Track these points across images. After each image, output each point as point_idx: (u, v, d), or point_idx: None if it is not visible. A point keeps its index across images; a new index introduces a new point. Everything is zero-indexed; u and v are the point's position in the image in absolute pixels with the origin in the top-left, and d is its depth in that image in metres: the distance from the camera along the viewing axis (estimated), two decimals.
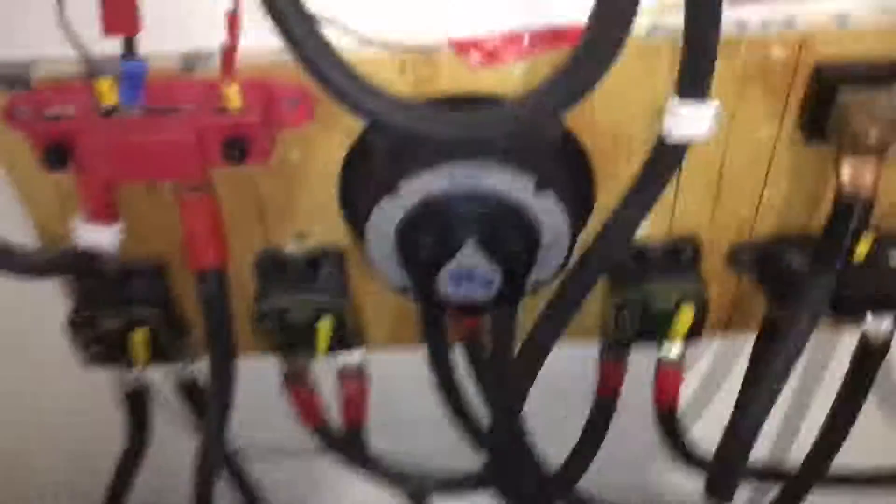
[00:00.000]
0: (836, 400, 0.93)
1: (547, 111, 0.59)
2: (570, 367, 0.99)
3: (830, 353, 1.03)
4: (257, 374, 0.90)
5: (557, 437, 1.04)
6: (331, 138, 0.73)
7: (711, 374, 1.06)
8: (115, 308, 0.81)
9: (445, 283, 0.71)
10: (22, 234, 0.79)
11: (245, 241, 0.81)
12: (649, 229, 0.81)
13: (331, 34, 0.64)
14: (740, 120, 0.72)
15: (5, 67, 0.69)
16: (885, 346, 0.86)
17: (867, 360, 0.88)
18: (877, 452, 1.05)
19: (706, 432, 1.08)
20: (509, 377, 0.85)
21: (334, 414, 0.96)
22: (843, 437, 0.95)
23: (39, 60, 0.69)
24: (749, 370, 0.91)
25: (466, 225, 0.68)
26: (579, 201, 0.75)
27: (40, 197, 0.77)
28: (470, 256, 0.69)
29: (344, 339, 0.83)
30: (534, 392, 0.86)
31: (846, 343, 0.96)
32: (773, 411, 0.78)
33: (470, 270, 0.70)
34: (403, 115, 0.59)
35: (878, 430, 1.09)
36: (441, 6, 0.67)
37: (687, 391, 1.07)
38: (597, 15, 0.55)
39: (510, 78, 0.69)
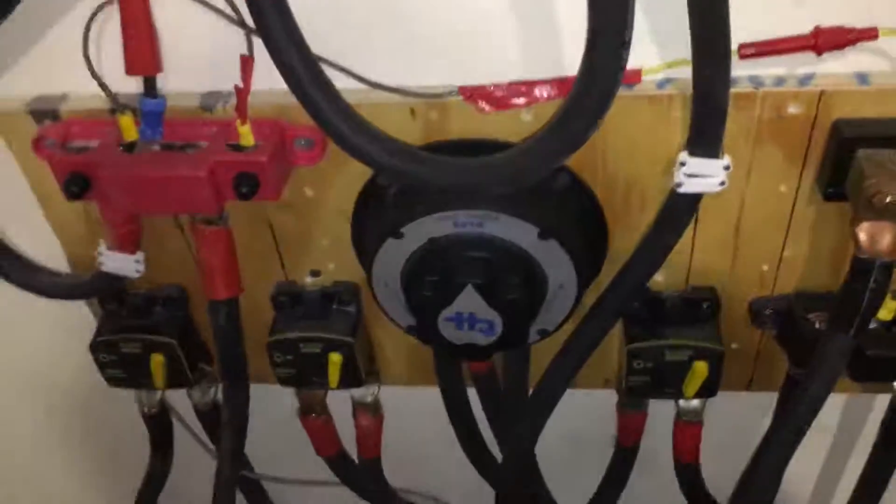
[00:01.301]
0: (867, 465, 0.89)
1: (539, 162, 0.59)
2: (589, 413, 0.98)
3: (866, 415, 0.99)
4: (279, 401, 0.92)
5: (576, 484, 1.03)
6: (345, 177, 0.74)
7: (738, 426, 1.03)
8: (136, 333, 0.83)
9: (447, 327, 0.72)
10: (54, 259, 0.83)
11: (264, 273, 0.83)
12: (667, 279, 0.80)
13: (341, 79, 0.66)
14: (757, 175, 0.71)
15: (39, 101, 0.73)
16: None
17: None
18: None
19: (730, 483, 1.06)
20: (521, 418, 0.84)
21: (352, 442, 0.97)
22: (876, 501, 0.92)
23: (69, 95, 0.72)
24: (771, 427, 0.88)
25: (467, 269, 0.69)
26: (588, 250, 0.74)
27: (69, 224, 0.81)
28: (469, 301, 0.69)
29: (355, 374, 0.83)
30: (552, 437, 0.86)
31: (880, 405, 0.93)
32: (806, 473, 0.75)
33: (470, 315, 0.71)
34: (397, 160, 0.60)
35: None
36: (451, 54, 0.67)
37: (711, 443, 1.04)
38: (586, 65, 0.55)
39: (519, 124, 0.69)
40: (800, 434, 0.73)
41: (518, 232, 0.68)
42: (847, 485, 0.99)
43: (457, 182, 0.60)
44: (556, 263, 0.69)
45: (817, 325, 0.77)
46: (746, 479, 0.79)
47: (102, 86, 0.68)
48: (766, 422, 0.99)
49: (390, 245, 0.70)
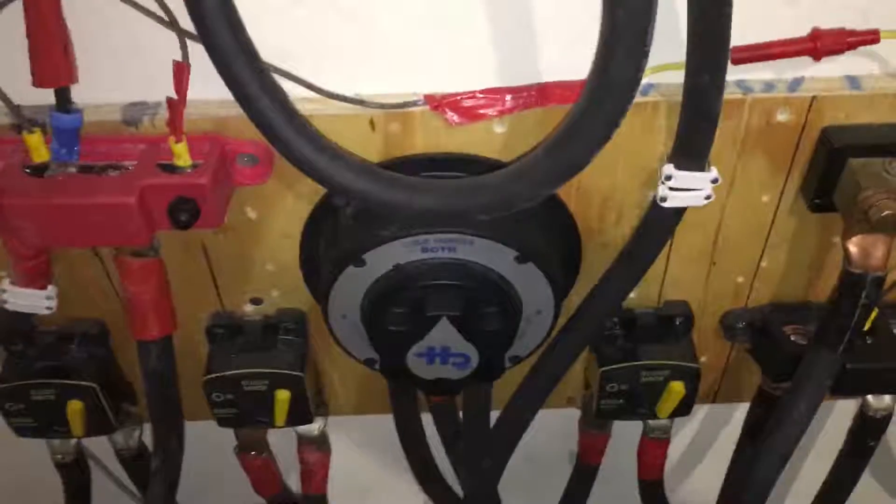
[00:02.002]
0: (832, 472, 0.88)
1: (534, 188, 0.52)
2: (547, 430, 0.93)
3: (825, 415, 0.97)
4: (210, 437, 0.82)
5: (535, 498, 0.98)
6: (292, 197, 0.66)
7: (698, 437, 1.00)
8: (47, 378, 0.73)
9: (416, 362, 0.65)
10: None
11: (196, 304, 0.74)
12: (639, 295, 0.75)
13: (291, 88, 0.58)
14: (740, 185, 0.67)
15: None
16: (886, 420, 0.81)
17: (867, 431, 0.82)
18: None
19: (690, 497, 1.03)
20: (484, 453, 0.78)
21: (294, 480, 0.89)
22: None
23: None
24: (741, 441, 0.85)
25: (441, 300, 0.62)
26: (564, 270, 0.68)
27: None
28: (443, 334, 0.63)
29: (304, 410, 0.75)
30: None
31: (842, 405, 0.91)
32: None
33: (443, 348, 0.64)
34: (371, 183, 0.53)
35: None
36: (415, 60, 0.60)
37: (672, 453, 1.02)
38: (596, 81, 0.48)
39: (490, 137, 0.62)
40: (788, 453, 0.70)
41: (494, 256, 0.61)
42: (804, 485, 0.98)
43: (441, 208, 0.53)
44: (533, 288, 0.63)
45: (793, 338, 0.74)
46: (733, 499, 0.75)
47: (4, 98, 0.57)
48: (726, 431, 0.97)
49: (350, 273, 0.62)
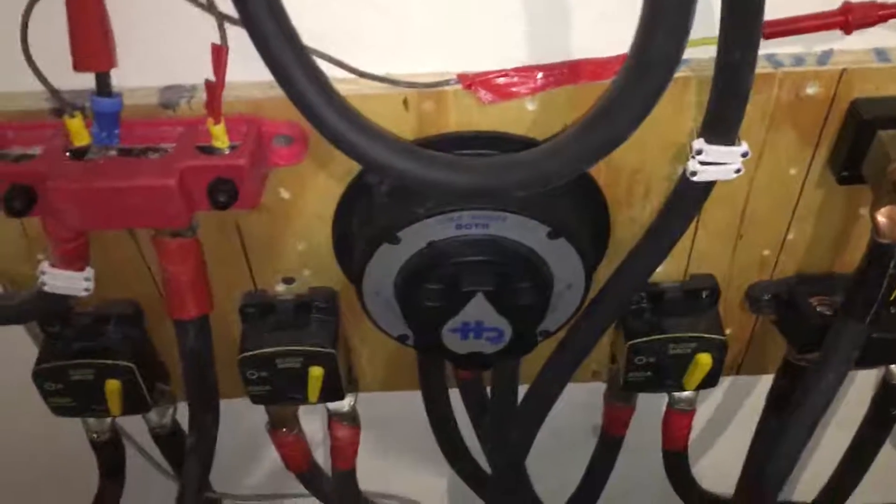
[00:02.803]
0: (854, 441, 0.89)
1: (570, 164, 0.53)
2: (571, 403, 0.94)
3: (848, 385, 0.98)
4: (242, 414, 0.84)
5: (556, 473, 0.99)
6: (325, 177, 0.67)
7: (721, 408, 1.01)
8: (86, 358, 0.74)
9: (450, 337, 0.66)
10: None
11: (230, 283, 0.74)
12: (666, 269, 0.76)
13: (328, 68, 0.59)
14: (768, 158, 0.67)
15: None
16: None
17: (890, 400, 0.83)
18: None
19: (711, 468, 1.04)
20: (513, 427, 0.79)
21: (325, 453, 0.90)
22: (860, 476, 0.92)
23: (1, 94, 0.62)
24: (766, 412, 0.86)
25: (476, 276, 0.63)
26: (594, 245, 0.69)
27: (4, 240, 0.70)
28: (478, 310, 0.64)
29: (337, 387, 0.76)
30: None
31: (864, 376, 0.92)
32: None
33: (478, 323, 0.65)
34: (409, 162, 0.53)
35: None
36: (448, 40, 0.60)
37: (696, 424, 1.03)
38: (635, 58, 0.49)
39: (522, 114, 0.63)
40: (814, 425, 0.71)
41: (526, 232, 0.62)
42: (823, 455, 0.99)
43: (479, 186, 0.54)
44: (564, 263, 0.64)
45: (819, 309, 0.75)
46: (758, 471, 0.76)
47: (45, 83, 0.58)
48: (749, 403, 0.98)
49: (384, 251, 0.63)
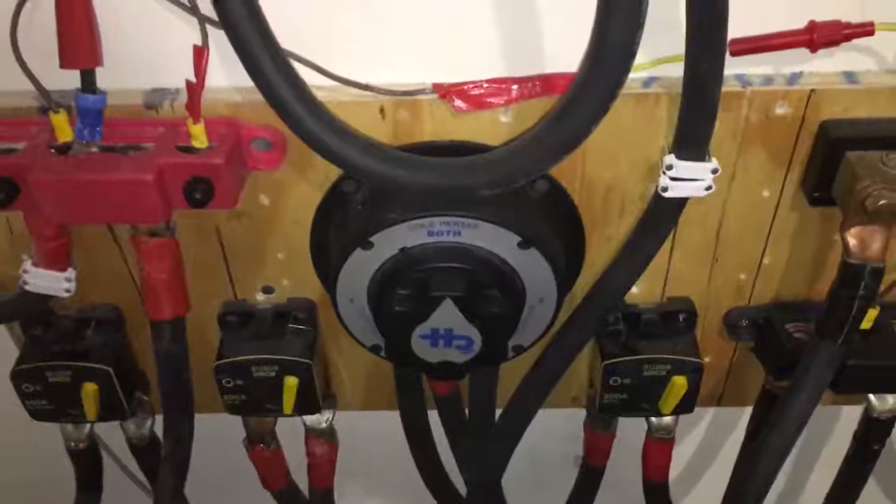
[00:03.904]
0: (838, 477, 0.88)
1: (534, 162, 0.54)
2: (552, 431, 0.94)
3: (832, 424, 0.97)
4: (219, 430, 0.84)
5: (539, 502, 0.98)
6: (304, 185, 0.68)
7: (705, 442, 1.01)
8: (64, 360, 0.75)
9: (420, 344, 0.66)
10: None
11: (209, 291, 0.76)
12: (643, 291, 0.76)
13: (306, 74, 0.61)
14: (741, 179, 0.68)
15: None
16: (891, 423, 0.81)
17: (871, 434, 0.82)
18: None
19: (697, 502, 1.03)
20: (488, 448, 0.79)
21: (302, 472, 0.89)
22: None
23: None
24: (745, 442, 0.85)
25: (444, 282, 0.63)
26: (568, 259, 0.70)
27: None
28: (447, 316, 0.64)
29: (311, 400, 0.77)
30: (514, 456, 0.81)
31: (847, 414, 0.91)
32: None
33: (447, 331, 0.65)
34: (376, 161, 0.55)
35: None
36: (425, 50, 0.62)
37: (678, 459, 1.02)
38: (591, 52, 0.50)
39: (496, 125, 0.64)
40: (787, 448, 0.70)
41: (497, 240, 0.63)
42: (810, 497, 0.98)
43: (442, 184, 0.55)
44: (536, 275, 0.65)
45: (796, 336, 0.75)
46: (731, 495, 0.75)
47: (34, 80, 0.60)
48: (734, 437, 0.97)
49: (358, 256, 0.64)
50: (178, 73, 0.61)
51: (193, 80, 0.59)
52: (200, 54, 0.58)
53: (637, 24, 0.49)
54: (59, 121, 0.61)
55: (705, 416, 0.98)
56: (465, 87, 0.63)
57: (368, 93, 0.63)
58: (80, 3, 0.57)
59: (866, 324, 0.71)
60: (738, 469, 0.82)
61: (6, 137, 0.63)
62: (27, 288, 0.68)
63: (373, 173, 0.55)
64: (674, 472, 0.91)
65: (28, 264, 0.68)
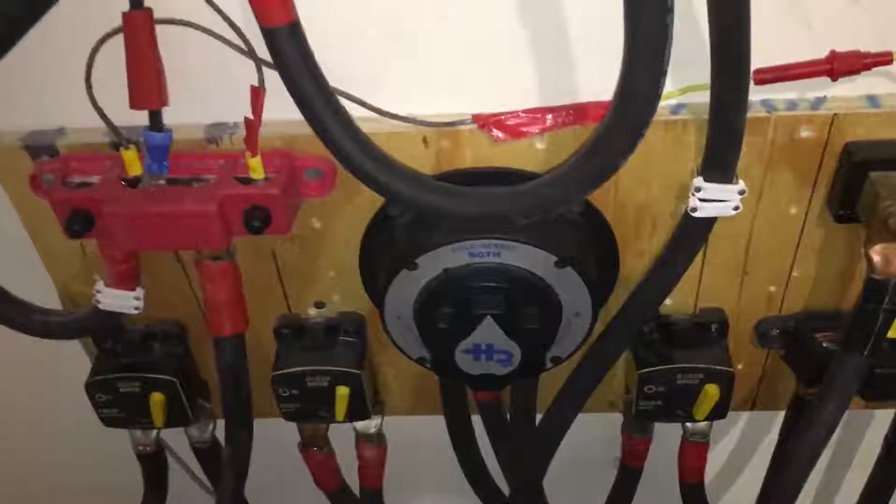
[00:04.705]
0: (870, 480, 0.90)
1: (568, 193, 0.58)
2: (591, 434, 0.97)
3: (864, 429, 1.00)
4: (276, 434, 0.89)
5: (579, 502, 1.02)
6: (353, 208, 0.73)
7: (740, 445, 1.03)
8: (133, 371, 0.80)
9: (463, 358, 0.71)
10: (42, 293, 0.80)
11: (266, 306, 0.81)
12: (675, 303, 0.80)
13: (354, 108, 0.65)
14: (768, 198, 0.71)
15: (33, 136, 0.70)
16: None
17: None
18: None
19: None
20: (530, 450, 0.83)
21: (354, 473, 0.94)
22: None
23: (66, 129, 0.70)
24: (778, 447, 0.88)
25: (486, 300, 0.68)
26: (602, 276, 0.73)
27: (63, 259, 0.78)
28: (488, 332, 0.68)
29: (361, 407, 0.81)
30: (553, 460, 0.85)
31: (880, 420, 0.94)
32: (804, 488, 0.76)
33: (488, 346, 0.70)
34: (422, 192, 0.59)
35: None
36: (464, 83, 0.66)
37: (714, 462, 1.05)
38: (618, 98, 0.54)
39: (532, 152, 0.68)
40: (815, 456, 0.73)
41: (535, 260, 0.67)
42: (843, 500, 1.00)
43: (484, 213, 0.59)
44: (572, 291, 0.69)
45: (825, 345, 0.78)
46: (763, 498, 0.78)
47: (106, 120, 0.66)
48: (769, 439, 1.00)
49: (404, 276, 0.68)
50: (236, 109, 0.66)
51: (251, 116, 0.63)
52: (257, 94, 0.63)
53: (659, 74, 0.52)
54: (130, 156, 0.66)
55: (740, 420, 1.00)
56: (503, 118, 0.67)
57: (412, 124, 0.67)
58: (149, 51, 0.62)
59: (894, 332, 0.74)
60: (771, 472, 0.84)
61: (81, 172, 0.68)
62: (100, 306, 0.74)
63: (419, 204, 0.59)
64: (710, 473, 0.94)
65: (100, 284, 0.73)
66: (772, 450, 0.90)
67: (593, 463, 1.01)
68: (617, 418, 0.92)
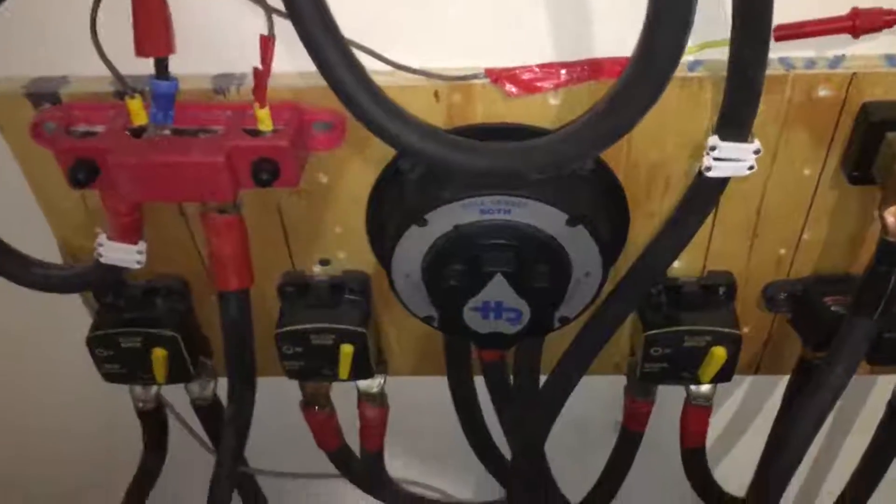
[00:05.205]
0: (871, 445, 0.90)
1: (583, 149, 0.57)
2: (593, 397, 0.97)
3: (865, 396, 1.00)
4: (277, 393, 0.89)
5: (578, 468, 1.02)
6: (361, 163, 0.72)
7: (741, 410, 1.03)
8: (135, 327, 0.80)
9: (472, 316, 0.70)
10: (43, 246, 0.78)
11: (270, 263, 0.80)
12: (684, 265, 0.79)
13: (365, 60, 0.64)
14: (782, 158, 0.70)
15: (35, 83, 0.68)
16: None
17: None
18: None
19: (733, 469, 1.06)
20: (533, 411, 0.83)
21: (355, 436, 0.94)
22: (876, 482, 0.93)
23: (70, 77, 0.68)
24: (781, 411, 0.88)
25: (496, 258, 0.67)
26: (612, 236, 0.73)
27: (65, 212, 0.77)
28: (498, 290, 0.68)
29: (365, 366, 0.81)
30: (555, 422, 0.85)
31: (882, 385, 0.94)
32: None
33: (497, 303, 0.69)
34: (434, 145, 0.58)
35: None
36: (478, 36, 0.65)
37: (715, 427, 1.05)
38: (640, 52, 0.53)
39: (545, 108, 0.67)
40: (821, 419, 0.73)
41: (546, 218, 0.66)
42: (843, 464, 1.01)
43: (496, 168, 0.58)
44: (582, 250, 0.68)
45: (833, 309, 0.77)
46: (766, 465, 0.79)
47: (111, 67, 0.64)
48: (770, 404, 1.00)
49: (413, 233, 0.67)
50: (244, 59, 0.64)
51: (260, 66, 0.62)
52: (267, 43, 0.61)
53: (684, 28, 0.51)
54: (135, 105, 0.64)
55: (743, 384, 1.00)
56: (517, 72, 0.66)
57: (424, 77, 0.66)
58: None
59: None
60: (773, 436, 0.84)
61: (85, 121, 0.67)
62: (102, 260, 0.73)
63: (431, 157, 0.58)
64: (711, 437, 0.94)
65: (103, 238, 0.72)
66: (773, 415, 0.90)
67: (595, 427, 1.01)
68: (620, 381, 0.92)
